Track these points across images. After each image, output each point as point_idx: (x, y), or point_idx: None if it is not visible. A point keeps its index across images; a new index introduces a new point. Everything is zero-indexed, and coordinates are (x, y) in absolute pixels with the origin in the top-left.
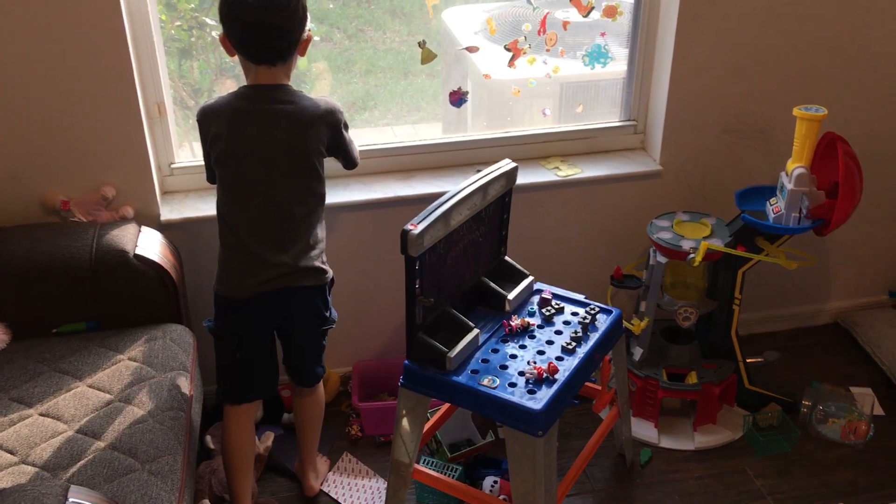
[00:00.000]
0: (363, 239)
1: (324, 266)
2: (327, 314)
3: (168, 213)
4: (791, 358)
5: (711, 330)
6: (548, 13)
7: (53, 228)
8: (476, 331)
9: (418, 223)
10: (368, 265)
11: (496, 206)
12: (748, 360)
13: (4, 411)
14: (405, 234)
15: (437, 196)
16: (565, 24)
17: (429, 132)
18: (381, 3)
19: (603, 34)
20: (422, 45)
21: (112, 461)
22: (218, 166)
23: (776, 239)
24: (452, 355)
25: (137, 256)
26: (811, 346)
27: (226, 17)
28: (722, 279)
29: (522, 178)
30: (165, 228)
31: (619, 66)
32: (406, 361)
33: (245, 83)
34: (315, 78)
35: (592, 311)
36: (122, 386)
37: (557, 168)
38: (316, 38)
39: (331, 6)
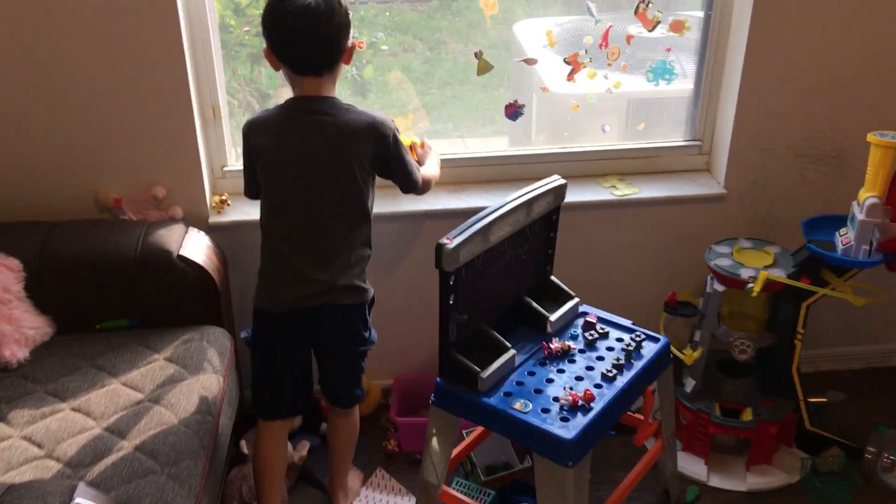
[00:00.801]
0: (410, 250)
1: (364, 285)
2: (366, 334)
3: (216, 215)
4: (857, 400)
5: (771, 365)
6: (610, 26)
7: (103, 225)
8: (512, 352)
9: (454, 237)
10: (415, 277)
11: (542, 224)
12: (810, 400)
13: (39, 404)
14: (440, 248)
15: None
16: (629, 39)
17: (498, 144)
18: (464, 14)
19: (668, 50)
20: (478, 55)
21: (133, 462)
22: (262, 177)
23: (844, 272)
24: (485, 376)
25: (181, 257)
26: (880, 389)
27: (269, 28)
28: (784, 312)
29: (576, 196)
30: (213, 231)
31: (685, 83)
32: (438, 379)
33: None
34: (393, 88)
35: (638, 338)
36: (153, 386)
37: (614, 187)
38: (398, 48)
39: (414, 17)
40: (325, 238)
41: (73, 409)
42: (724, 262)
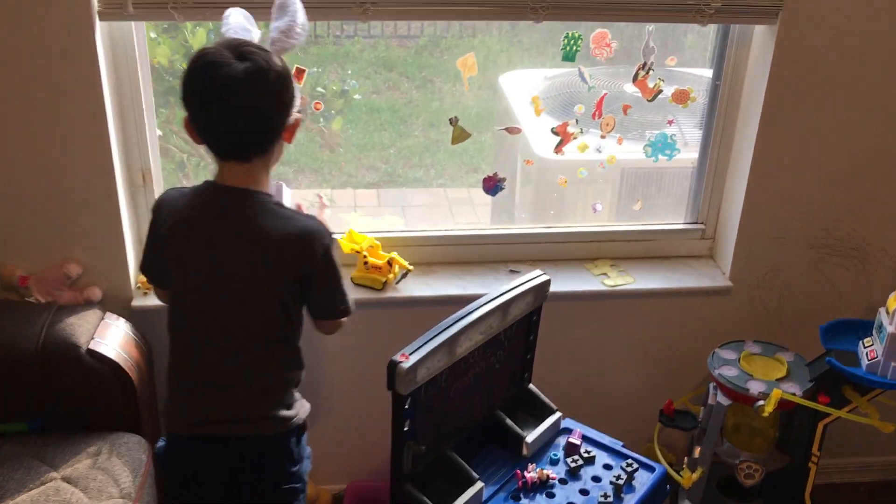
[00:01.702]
0: (365, 339)
1: (287, 412)
2: (293, 469)
3: (142, 297)
4: None
5: (781, 489)
6: (605, 94)
7: (4, 308)
8: (479, 485)
9: (411, 353)
10: (370, 369)
11: (520, 327)
12: None
13: None
14: (393, 368)
15: (457, 300)
16: (626, 109)
17: (483, 199)
18: (453, 52)
19: (671, 122)
20: (453, 122)
21: None
22: (169, 271)
23: (868, 390)
24: None
25: (90, 351)
26: None
27: (186, 96)
28: (797, 430)
29: (562, 285)
30: (136, 316)
31: (688, 152)
32: None
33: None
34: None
35: (630, 468)
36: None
37: (605, 275)
38: (382, 86)
39: (401, 53)
40: (231, 360)
41: None
42: (731, 372)
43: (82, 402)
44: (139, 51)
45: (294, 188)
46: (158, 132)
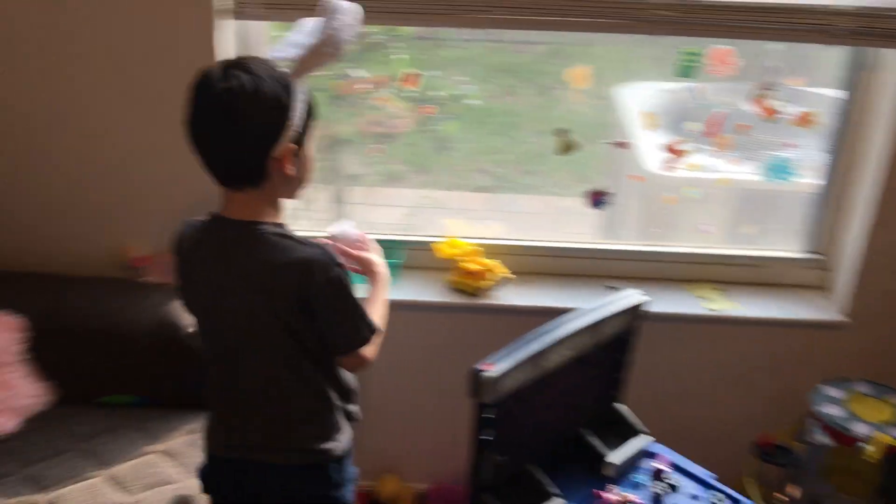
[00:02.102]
0: (456, 343)
1: (325, 444)
2: (335, 494)
3: None
4: None
5: None
6: (722, 113)
7: (121, 287)
8: (558, 501)
9: (496, 362)
10: (458, 373)
11: (613, 345)
12: None
13: (12, 492)
14: (476, 376)
15: (551, 312)
16: (742, 129)
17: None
18: (579, 59)
19: (790, 144)
20: (559, 133)
21: None
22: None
23: None
24: None
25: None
26: None
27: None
28: None
29: (661, 305)
30: None
31: (807, 178)
32: None
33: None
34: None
35: (719, 501)
36: (140, 486)
37: (708, 298)
38: (501, 92)
39: (524, 60)
40: (246, 388)
41: None
42: (835, 411)
43: (185, 382)
44: (262, 48)
45: (405, 187)
46: None
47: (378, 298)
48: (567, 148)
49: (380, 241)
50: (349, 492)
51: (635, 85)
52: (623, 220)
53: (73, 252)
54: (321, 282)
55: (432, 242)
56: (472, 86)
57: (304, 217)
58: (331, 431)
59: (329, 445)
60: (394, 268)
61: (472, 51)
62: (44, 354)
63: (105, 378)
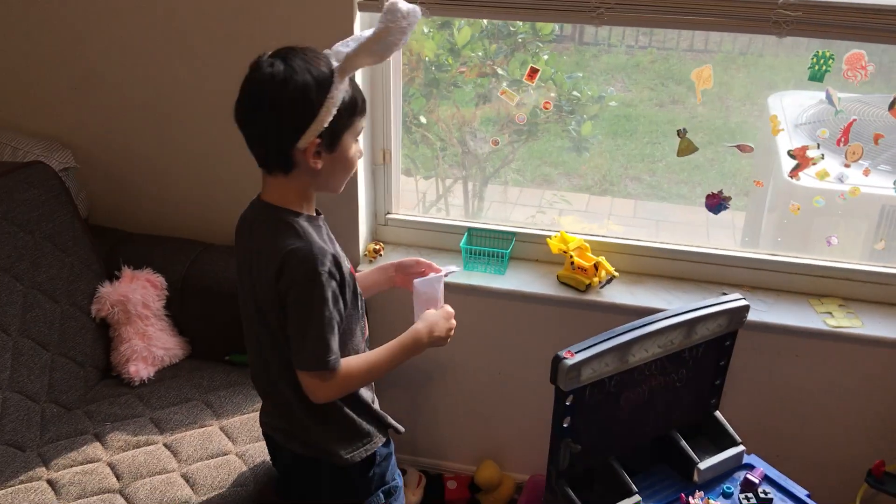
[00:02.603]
0: (562, 337)
1: (319, 442)
2: (356, 501)
3: (366, 264)
4: None
5: None
6: (854, 120)
7: None
8: (636, 498)
9: (577, 351)
10: None
11: (710, 348)
12: None
13: (139, 430)
14: (556, 362)
15: (654, 311)
16: (877, 138)
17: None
18: (750, 71)
19: None
20: (681, 133)
21: None
22: None
23: None
24: None
25: None
26: None
27: None
28: None
29: (777, 317)
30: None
31: None
32: None
33: None
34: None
35: None
36: (248, 438)
37: (830, 314)
38: (667, 100)
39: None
40: (259, 370)
41: (166, 445)
42: None
43: None
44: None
45: (548, 189)
46: (423, 119)
47: (390, 350)
48: (687, 150)
49: (493, 231)
50: (374, 499)
51: (790, 94)
52: (765, 230)
53: (212, 221)
54: (294, 276)
55: (546, 236)
56: (611, 88)
57: (438, 207)
58: (337, 432)
59: (332, 447)
60: (504, 258)
61: (639, 58)
62: (180, 312)
63: (232, 338)
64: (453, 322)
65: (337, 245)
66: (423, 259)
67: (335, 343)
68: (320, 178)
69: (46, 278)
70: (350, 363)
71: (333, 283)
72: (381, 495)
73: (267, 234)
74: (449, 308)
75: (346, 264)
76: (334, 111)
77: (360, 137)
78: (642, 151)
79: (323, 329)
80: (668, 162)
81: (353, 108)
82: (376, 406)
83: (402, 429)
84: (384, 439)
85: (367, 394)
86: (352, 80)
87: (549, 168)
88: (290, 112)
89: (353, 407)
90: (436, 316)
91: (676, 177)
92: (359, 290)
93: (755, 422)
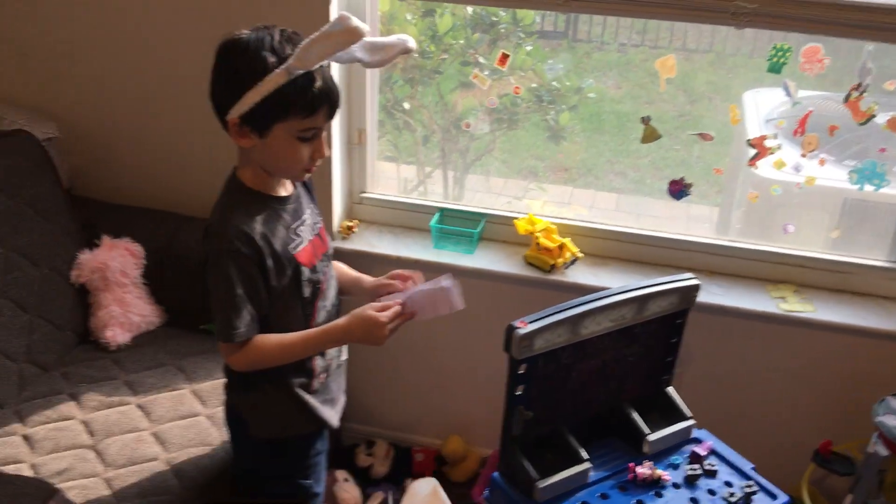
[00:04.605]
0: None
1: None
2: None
3: (340, 241)
4: None
5: None
6: (810, 112)
7: None
8: (586, 465)
9: (531, 321)
10: None
11: (662, 325)
12: None
13: (113, 392)
14: (510, 331)
15: None
16: (832, 130)
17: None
18: (738, 72)
19: (882, 150)
20: (645, 121)
21: (156, 477)
22: None
23: None
24: (542, 486)
25: None
26: None
27: None
28: None
29: (733, 300)
30: (336, 257)
31: None
32: (495, 474)
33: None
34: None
35: (750, 489)
36: (218, 402)
37: (784, 299)
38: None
39: (685, 67)
40: None
41: (138, 406)
42: (894, 422)
43: None
44: (370, 20)
45: (533, 181)
46: (406, 105)
47: (310, 336)
48: (651, 136)
49: (464, 212)
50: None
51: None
52: (733, 221)
53: (191, 195)
54: (206, 248)
55: (514, 218)
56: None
57: (419, 191)
58: (251, 402)
59: (246, 415)
60: (473, 238)
61: (632, 56)
62: (157, 281)
63: (208, 308)
64: (387, 331)
65: (294, 227)
66: (396, 277)
67: (238, 319)
68: (257, 158)
69: (27, 242)
70: (264, 340)
71: (245, 262)
72: (285, 487)
73: (217, 199)
74: (389, 314)
75: (289, 248)
76: (258, 98)
77: (336, 132)
78: (628, 147)
79: (224, 304)
80: (652, 157)
81: (286, 104)
82: (308, 396)
83: (334, 424)
84: (307, 431)
85: (298, 379)
86: (314, 79)
87: (534, 161)
88: (223, 82)
89: (275, 386)
90: (374, 323)
91: (660, 172)
92: (318, 277)
93: (707, 400)
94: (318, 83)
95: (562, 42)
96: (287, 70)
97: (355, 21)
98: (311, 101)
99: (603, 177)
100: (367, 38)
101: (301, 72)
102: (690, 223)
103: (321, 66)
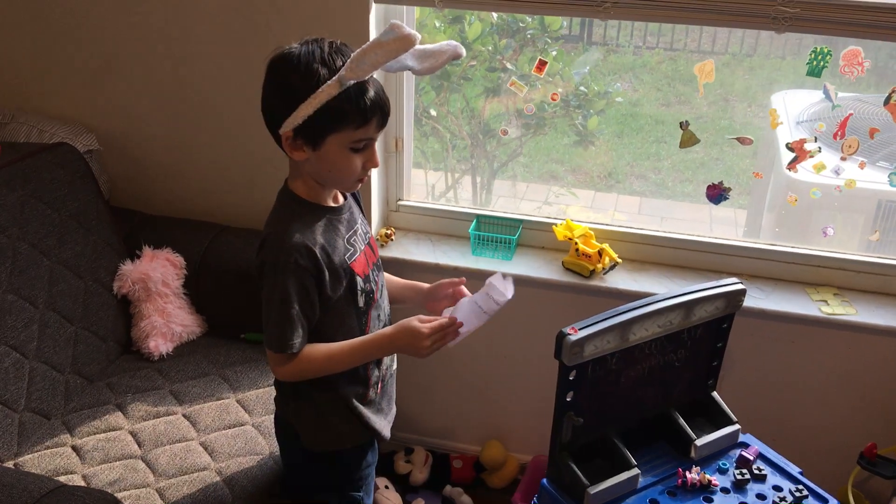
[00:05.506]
0: (565, 322)
1: (296, 423)
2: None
3: (379, 250)
4: None
5: None
6: (851, 115)
7: None
8: (635, 471)
9: (581, 328)
10: None
11: (708, 331)
12: None
13: (159, 402)
14: (561, 338)
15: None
16: (872, 133)
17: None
18: (757, 73)
19: None
20: (684, 126)
21: (208, 488)
22: None
23: None
24: (593, 492)
25: None
26: None
27: None
28: None
29: (773, 304)
30: None
31: None
32: (544, 480)
33: None
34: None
35: (800, 493)
36: (263, 410)
37: (825, 302)
38: (673, 99)
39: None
40: None
41: (185, 416)
42: None
43: None
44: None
45: (555, 185)
46: (433, 112)
47: (356, 345)
48: (690, 141)
49: (499, 218)
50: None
51: (795, 91)
52: (765, 225)
53: (229, 204)
54: (261, 259)
55: (552, 224)
56: (618, 84)
57: (447, 198)
58: (303, 414)
59: (298, 426)
60: (511, 244)
61: (646, 58)
62: (197, 291)
63: (248, 317)
64: (427, 342)
65: (347, 238)
66: (445, 280)
67: (293, 333)
68: (310, 169)
69: (71, 255)
70: (312, 350)
71: (304, 276)
72: (336, 499)
73: (269, 216)
74: (432, 325)
75: (345, 258)
76: (311, 111)
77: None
78: (647, 150)
79: (280, 317)
80: (673, 160)
81: (340, 115)
82: (363, 407)
83: (386, 435)
84: (361, 442)
85: (354, 389)
86: (366, 90)
87: (556, 165)
88: (277, 96)
89: (330, 397)
90: (416, 334)
91: (681, 175)
92: (371, 286)
93: (751, 405)
94: (370, 93)
95: (577, 45)
96: (339, 81)
97: (407, 29)
98: (364, 112)
99: (625, 180)
100: (418, 46)
101: (353, 82)
102: (715, 226)
103: (371, 77)
